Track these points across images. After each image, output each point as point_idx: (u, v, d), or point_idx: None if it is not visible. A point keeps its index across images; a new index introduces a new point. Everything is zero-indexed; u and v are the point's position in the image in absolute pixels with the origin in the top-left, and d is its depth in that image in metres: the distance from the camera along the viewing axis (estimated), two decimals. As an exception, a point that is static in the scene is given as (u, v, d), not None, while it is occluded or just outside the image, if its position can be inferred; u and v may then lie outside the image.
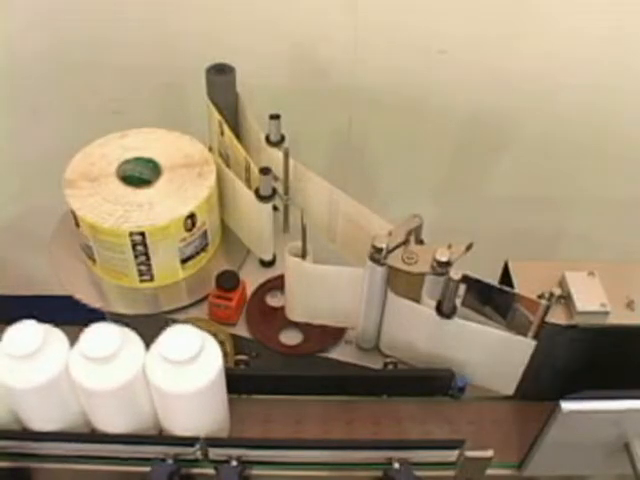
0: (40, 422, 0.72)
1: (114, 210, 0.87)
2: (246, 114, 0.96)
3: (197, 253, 0.94)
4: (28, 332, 0.67)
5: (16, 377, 0.67)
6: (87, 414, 0.72)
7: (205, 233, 0.93)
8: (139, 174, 0.93)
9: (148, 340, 0.69)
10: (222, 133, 0.94)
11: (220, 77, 0.93)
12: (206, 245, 0.95)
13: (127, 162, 0.93)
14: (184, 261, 0.93)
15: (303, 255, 0.79)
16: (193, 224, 0.90)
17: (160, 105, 1.17)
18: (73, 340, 0.68)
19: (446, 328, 0.76)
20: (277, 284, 0.92)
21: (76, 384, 0.67)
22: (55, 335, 0.69)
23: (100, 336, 0.66)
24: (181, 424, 0.72)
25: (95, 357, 0.65)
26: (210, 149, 0.97)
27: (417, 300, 0.76)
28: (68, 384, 0.68)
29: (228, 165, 0.95)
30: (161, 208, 0.88)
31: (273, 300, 0.93)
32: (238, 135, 0.96)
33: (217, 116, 0.94)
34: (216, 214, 0.96)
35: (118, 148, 0.95)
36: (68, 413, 0.72)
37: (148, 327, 0.87)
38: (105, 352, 0.65)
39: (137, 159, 0.93)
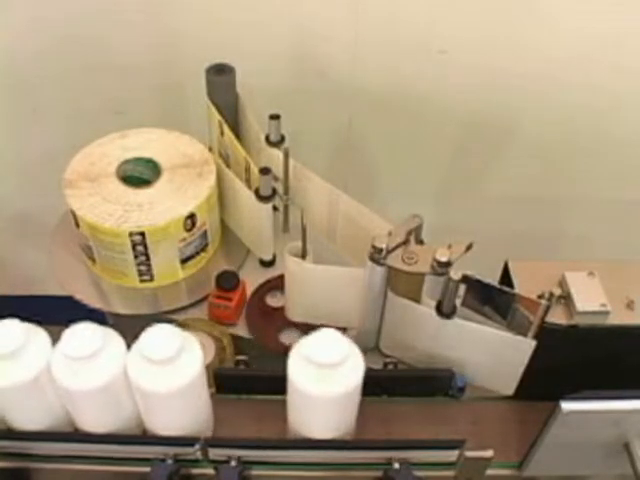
0: (23, 422, 0.72)
1: (114, 210, 0.87)
2: (246, 114, 0.96)
3: (197, 253, 0.94)
4: (10, 331, 0.67)
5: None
6: (70, 413, 0.72)
7: (205, 233, 0.93)
8: (139, 174, 0.93)
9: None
10: (222, 133, 0.94)
11: (220, 77, 0.93)
12: (206, 245, 0.95)
13: (127, 162, 0.93)
14: (184, 261, 0.93)
15: (303, 255, 0.79)
16: (193, 224, 0.90)
17: (160, 105, 1.17)
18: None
19: (446, 328, 0.76)
20: (277, 284, 0.92)
21: (57, 384, 0.67)
22: (38, 334, 0.69)
23: (81, 336, 0.66)
24: (163, 423, 0.72)
25: (76, 356, 0.65)
26: (210, 149, 0.97)
27: (417, 300, 0.76)
28: (50, 383, 0.68)
29: (228, 165, 0.95)
30: (161, 208, 0.88)
31: (273, 300, 0.93)
32: (238, 135, 0.96)
33: (217, 116, 0.94)
34: (216, 214, 0.96)
35: (118, 148, 0.95)
36: (51, 413, 0.72)
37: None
38: (86, 351, 0.65)
39: (137, 159, 0.93)
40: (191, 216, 0.89)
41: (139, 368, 0.66)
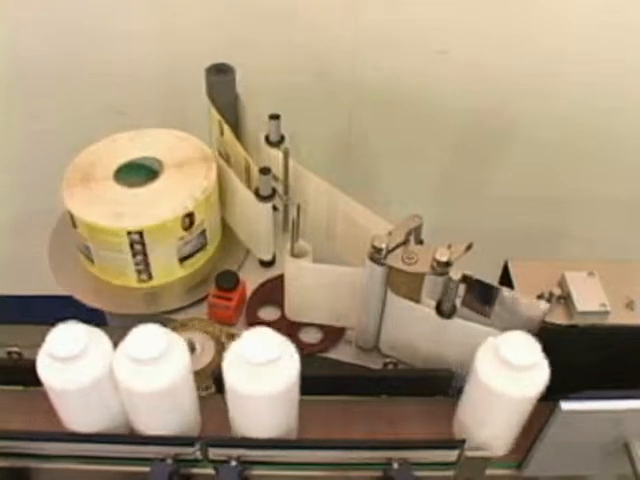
0: (80, 424, 0.73)
1: (112, 209, 0.87)
2: (246, 114, 0.96)
3: (196, 252, 0.94)
4: (73, 333, 0.67)
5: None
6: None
7: (204, 232, 0.93)
8: (138, 173, 0.93)
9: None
10: (222, 133, 0.94)
11: (220, 77, 0.93)
12: (205, 244, 0.95)
13: (126, 162, 0.93)
14: (182, 260, 0.93)
15: (302, 255, 0.79)
16: (191, 223, 0.90)
17: (160, 105, 1.17)
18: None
19: (446, 328, 0.76)
20: (276, 285, 0.92)
21: (120, 385, 0.68)
22: (100, 336, 0.69)
23: (145, 338, 0.66)
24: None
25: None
26: (220, 154, 0.97)
27: (417, 300, 0.76)
28: (110, 385, 0.69)
29: (229, 165, 0.95)
30: (159, 207, 0.88)
31: (266, 314, 0.91)
32: (238, 135, 0.96)
33: (217, 116, 0.93)
34: (216, 214, 0.96)
35: (118, 148, 0.95)
36: (109, 415, 0.72)
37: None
38: (152, 353, 0.65)
39: (137, 159, 0.93)
40: (189, 215, 0.89)
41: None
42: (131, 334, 0.66)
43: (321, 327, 0.89)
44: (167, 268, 0.93)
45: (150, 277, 0.93)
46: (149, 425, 0.72)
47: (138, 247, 0.88)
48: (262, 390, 0.66)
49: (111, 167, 0.92)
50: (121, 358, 0.67)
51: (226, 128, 0.93)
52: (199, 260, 0.96)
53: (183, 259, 0.93)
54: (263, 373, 0.65)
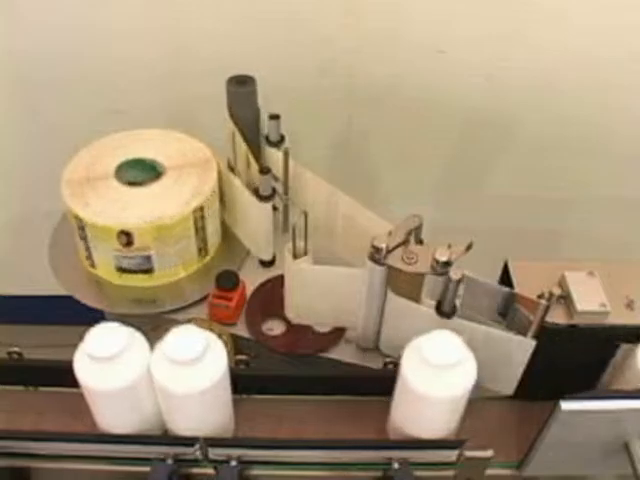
0: (115, 425, 0.73)
1: (116, 210, 0.87)
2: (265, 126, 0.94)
3: (199, 250, 0.94)
4: (113, 334, 0.67)
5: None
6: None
7: (209, 228, 0.94)
8: (139, 174, 0.93)
9: (149, 340, 0.69)
10: (248, 165, 0.92)
11: (240, 88, 0.91)
12: (206, 243, 0.95)
13: (127, 162, 0.93)
14: (190, 256, 0.93)
15: (299, 255, 0.79)
16: (196, 221, 0.90)
17: (160, 105, 1.16)
18: (69, 339, 0.68)
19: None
20: (276, 284, 0.92)
21: (158, 386, 0.68)
22: (137, 337, 0.69)
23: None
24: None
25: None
26: (229, 164, 0.96)
27: (417, 300, 0.76)
28: (148, 386, 0.69)
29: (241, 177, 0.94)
30: (164, 206, 0.88)
31: (271, 330, 0.91)
32: (258, 147, 0.94)
33: (243, 146, 0.92)
34: (216, 214, 0.96)
35: (118, 148, 0.95)
36: (143, 416, 0.72)
37: (148, 327, 0.87)
38: (192, 355, 0.65)
39: (137, 159, 0.93)
40: (195, 212, 0.89)
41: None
42: (170, 335, 0.67)
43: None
44: (171, 268, 0.93)
45: (153, 277, 0.93)
46: (186, 426, 0.72)
47: (144, 248, 0.88)
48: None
49: (111, 167, 0.92)
50: (159, 359, 0.67)
51: (238, 136, 0.91)
52: (202, 259, 0.96)
53: (191, 256, 0.93)
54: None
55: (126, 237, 0.87)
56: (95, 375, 0.66)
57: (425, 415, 0.71)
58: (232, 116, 0.93)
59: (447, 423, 0.72)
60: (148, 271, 0.92)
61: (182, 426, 0.72)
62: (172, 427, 0.73)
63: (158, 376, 0.67)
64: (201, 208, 0.90)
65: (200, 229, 0.92)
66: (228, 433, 0.75)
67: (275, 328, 0.90)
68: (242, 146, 0.91)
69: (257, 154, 0.92)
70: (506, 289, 0.72)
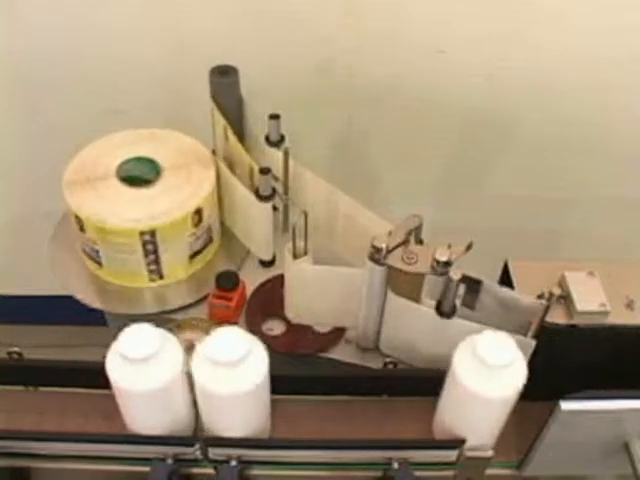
0: (147, 427, 0.72)
1: (121, 211, 0.87)
2: (249, 116, 0.95)
3: (204, 247, 0.95)
4: (147, 335, 0.66)
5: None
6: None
7: (210, 228, 0.94)
8: (139, 174, 0.93)
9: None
10: (227, 138, 0.94)
11: (223, 78, 0.93)
12: (211, 239, 0.96)
13: (127, 162, 0.93)
14: (192, 256, 0.93)
15: (299, 255, 0.79)
16: (200, 219, 0.90)
17: (160, 105, 1.17)
18: (71, 340, 0.68)
19: (446, 328, 0.76)
20: (277, 284, 0.92)
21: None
22: (170, 339, 0.69)
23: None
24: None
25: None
26: (214, 152, 0.97)
27: (417, 300, 0.76)
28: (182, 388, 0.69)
29: (232, 167, 0.94)
30: (167, 205, 0.88)
31: (271, 330, 0.91)
32: (241, 136, 0.95)
33: (222, 121, 0.93)
34: (216, 211, 0.96)
35: (118, 148, 0.94)
36: (176, 418, 0.72)
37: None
38: (234, 356, 0.65)
39: (137, 159, 0.93)
40: (198, 210, 0.89)
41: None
42: (211, 336, 0.66)
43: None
44: (178, 266, 0.93)
45: (161, 276, 0.93)
46: (225, 427, 0.72)
47: (150, 247, 0.88)
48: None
49: (111, 167, 0.92)
50: (200, 360, 0.66)
51: (230, 134, 0.92)
52: (207, 255, 0.96)
53: (193, 255, 0.93)
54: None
55: (198, 215, 0.89)
56: (129, 376, 0.66)
57: (476, 415, 0.71)
58: (216, 104, 0.93)
59: (495, 426, 0.71)
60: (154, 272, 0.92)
61: (221, 427, 0.71)
62: (211, 429, 0.72)
63: (198, 377, 0.66)
64: (200, 208, 0.89)
65: (199, 229, 0.92)
66: (265, 435, 0.75)
67: (275, 328, 0.90)
68: (242, 152, 0.92)
69: (243, 144, 0.93)
70: (506, 289, 0.72)
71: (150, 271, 0.92)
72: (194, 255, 0.94)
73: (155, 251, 0.89)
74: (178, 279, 0.94)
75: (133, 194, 0.89)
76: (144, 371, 0.65)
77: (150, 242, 0.87)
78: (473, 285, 0.73)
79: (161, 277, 0.93)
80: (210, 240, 0.96)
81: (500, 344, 0.67)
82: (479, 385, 0.66)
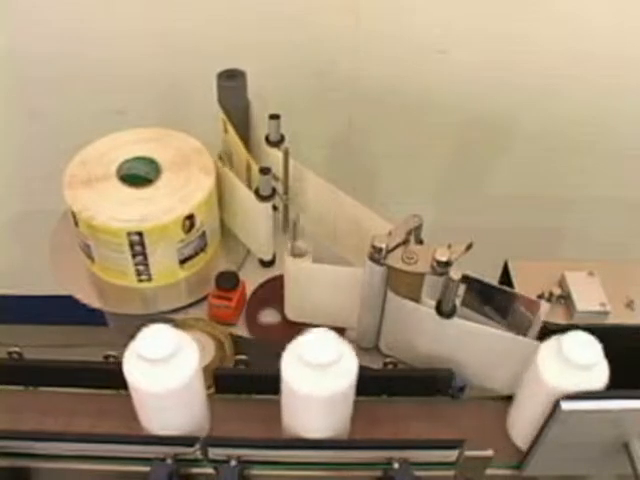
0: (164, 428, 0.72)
1: (112, 209, 0.87)
2: (256, 119, 0.95)
3: (196, 254, 0.94)
4: (164, 335, 0.66)
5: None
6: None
7: (204, 234, 0.94)
8: (138, 174, 0.93)
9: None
10: (226, 131, 0.94)
11: (230, 82, 0.92)
12: (205, 246, 0.95)
13: (127, 162, 0.93)
14: (183, 262, 0.93)
15: (300, 254, 0.79)
16: (192, 225, 0.90)
17: (160, 105, 1.17)
18: (69, 339, 0.68)
19: (446, 328, 0.76)
20: (276, 285, 0.92)
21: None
22: (186, 339, 0.69)
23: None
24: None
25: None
26: (220, 157, 0.96)
27: (417, 300, 0.76)
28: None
29: (230, 165, 0.94)
30: (160, 208, 0.88)
31: (267, 318, 0.91)
32: (247, 139, 0.95)
33: (221, 115, 0.93)
34: (215, 214, 0.96)
35: (118, 148, 0.95)
36: (192, 419, 0.72)
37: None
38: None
39: (137, 159, 0.93)
40: (190, 217, 0.89)
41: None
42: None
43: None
44: (167, 270, 0.93)
45: (150, 278, 0.93)
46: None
47: (138, 248, 0.88)
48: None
49: (111, 167, 0.92)
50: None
51: (230, 127, 0.92)
52: (199, 262, 0.96)
53: (183, 261, 0.93)
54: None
55: (189, 221, 0.89)
56: (147, 377, 0.66)
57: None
58: (223, 109, 0.93)
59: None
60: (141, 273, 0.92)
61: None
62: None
63: (288, 378, 0.67)
64: (192, 214, 0.89)
65: (190, 235, 0.91)
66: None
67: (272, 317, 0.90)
68: (233, 136, 0.92)
69: (248, 147, 0.93)
70: (506, 289, 0.72)
71: (138, 272, 0.92)
72: (185, 260, 0.94)
73: (143, 252, 0.89)
74: (176, 279, 0.94)
75: (130, 194, 0.89)
76: (163, 371, 0.65)
77: (138, 243, 0.88)
78: (473, 285, 0.73)
79: (150, 279, 0.93)
80: (204, 246, 0.95)
81: (586, 344, 0.66)
82: (566, 385, 0.66)
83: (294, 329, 0.88)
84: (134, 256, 0.89)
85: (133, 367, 0.66)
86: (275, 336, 0.90)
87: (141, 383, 0.66)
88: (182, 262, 0.93)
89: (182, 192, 0.90)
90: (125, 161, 0.93)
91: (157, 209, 0.88)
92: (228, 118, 0.93)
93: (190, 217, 0.89)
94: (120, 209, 0.87)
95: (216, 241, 0.99)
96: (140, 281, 0.93)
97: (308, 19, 1.07)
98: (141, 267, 0.91)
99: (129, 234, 0.86)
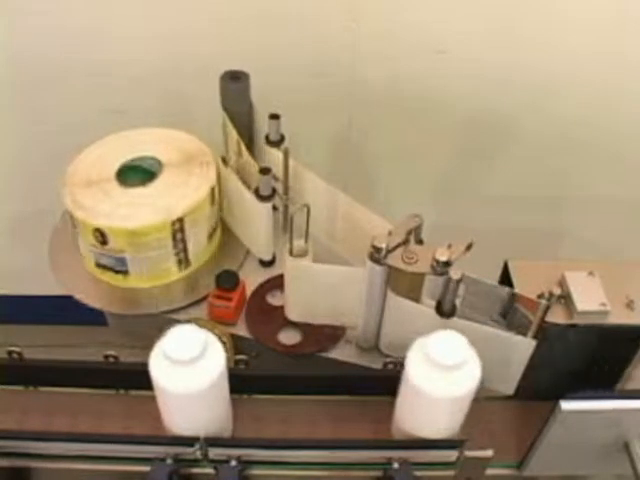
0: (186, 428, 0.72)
1: (116, 211, 0.87)
2: (260, 121, 0.95)
3: (217, 225, 0.97)
4: (192, 336, 0.66)
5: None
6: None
7: (203, 230, 0.95)
8: (140, 174, 0.93)
9: (149, 340, 0.69)
10: (240, 154, 0.93)
11: (234, 84, 0.92)
12: (219, 217, 0.98)
13: (128, 162, 0.93)
14: (210, 235, 0.95)
15: (299, 254, 0.79)
16: (213, 198, 0.92)
17: (160, 105, 1.17)
18: (69, 339, 0.68)
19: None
20: (277, 283, 0.92)
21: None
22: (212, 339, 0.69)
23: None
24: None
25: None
26: (224, 160, 0.96)
27: (417, 300, 0.76)
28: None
29: (245, 182, 0.94)
30: (180, 194, 0.89)
31: (273, 299, 0.93)
32: (251, 141, 0.95)
33: (235, 136, 0.92)
34: (215, 213, 0.96)
35: (118, 148, 0.94)
36: (216, 420, 0.72)
37: (148, 327, 0.87)
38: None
39: (138, 158, 0.93)
40: (213, 189, 0.92)
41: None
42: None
43: (302, 328, 0.89)
44: (201, 248, 0.94)
45: (188, 263, 0.94)
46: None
47: (179, 235, 0.89)
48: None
49: (112, 167, 0.92)
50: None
51: (244, 149, 0.91)
52: (200, 260, 0.96)
53: (210, 235, 0.95)
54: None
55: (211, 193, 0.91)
56: (174, 378, 0.66)
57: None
58: (226, 110, 0.93)
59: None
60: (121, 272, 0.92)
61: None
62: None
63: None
64: (198, 208, 0.90)
65: (198, 228, 0.92)
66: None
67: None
68: (234, 136, 0.92)
69: (251, 148, 0.93)
70: (506, 289, 0.72)
71: (179, 261, 0.92)
72: (190, 255, 0.94)
73: (183, 239, 0.90)
74: (176, 279, 0.94)
75: (133, 194, 0.89)
76: (190, 372, 0.65)
77: (179, 230, 0.88)
78: (473, 285, 0.73)
79: (188, 264, 0.94)
80: (218, 215, 0.98)
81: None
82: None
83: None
84: (175, 246, 0.90)
85: (160, 368, 0.66)
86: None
87: (168, 384, 0.66)
88: (210, 236, 0.95)
89: (190, 181, 0.91)
90: (126, 161, 0.92)
91: (159, 207, 0.87)
92: (231, 119, 0.92)
93: (213, 189, 0.92)
94: (123, 210, 0.87)
95: (216, 240, 0.98)
96: (180, 270, 0.93)
97: (308, 19, 1.07)
98: (182, 255, 0.92)
99: (173, 223, 0.87)
